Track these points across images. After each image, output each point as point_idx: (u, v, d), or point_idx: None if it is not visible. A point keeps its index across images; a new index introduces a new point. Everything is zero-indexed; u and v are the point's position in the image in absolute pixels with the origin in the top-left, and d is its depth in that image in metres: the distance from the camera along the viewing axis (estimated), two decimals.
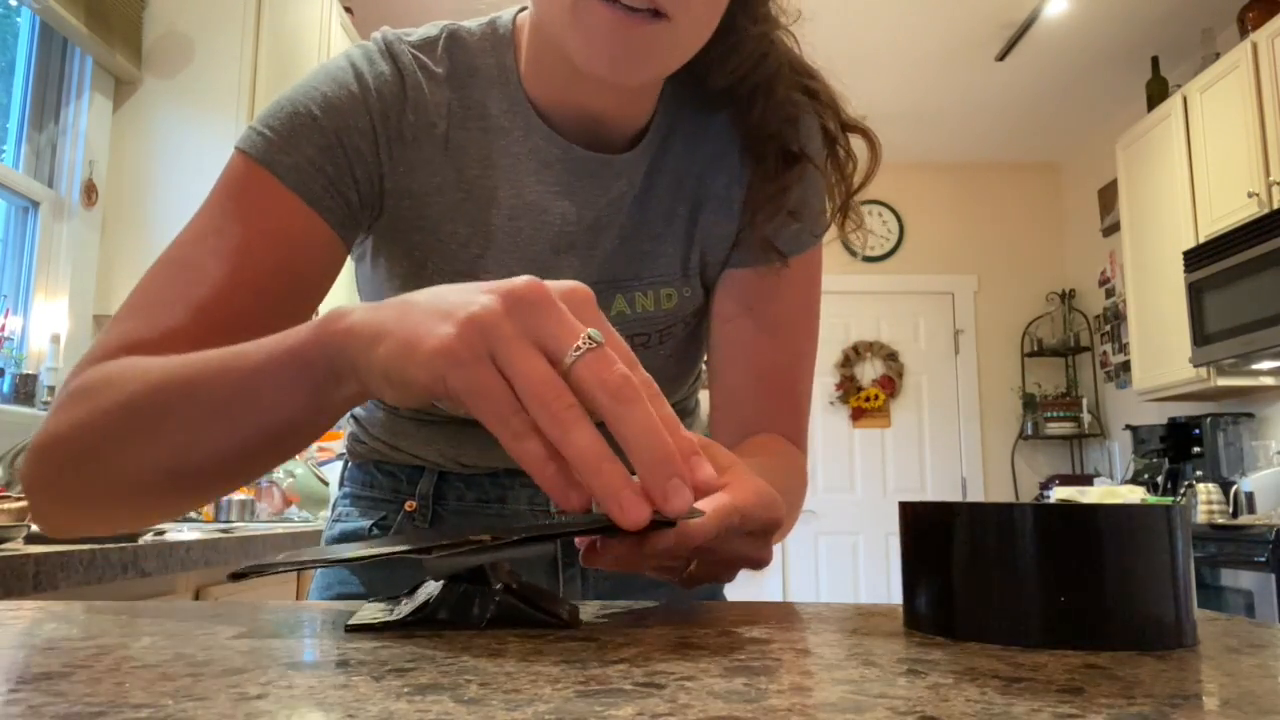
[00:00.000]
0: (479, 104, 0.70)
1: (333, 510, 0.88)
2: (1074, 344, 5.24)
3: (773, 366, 0.77)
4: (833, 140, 0.77)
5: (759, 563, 0.52)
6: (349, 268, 0.75)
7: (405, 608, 0.46)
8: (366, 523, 0.83)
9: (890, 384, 5.38)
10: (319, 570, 0.84)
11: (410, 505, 0.81)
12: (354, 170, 0.66)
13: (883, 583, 5.17)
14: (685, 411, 0.88)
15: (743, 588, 0.87)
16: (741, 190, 0.76)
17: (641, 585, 0.79)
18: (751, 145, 0.75)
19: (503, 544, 0.44)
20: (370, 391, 0.46)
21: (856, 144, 0.78)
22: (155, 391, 0.52)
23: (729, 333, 0.78)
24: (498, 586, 0.45)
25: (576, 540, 0.47)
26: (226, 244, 0.62)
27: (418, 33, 0.72)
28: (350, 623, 0.44)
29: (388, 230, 0.71)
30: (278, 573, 0.46)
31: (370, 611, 0.47)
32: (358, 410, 0.86)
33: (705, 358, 0.83)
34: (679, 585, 0.52)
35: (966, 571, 0.43)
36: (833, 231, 0.82)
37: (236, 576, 0.45)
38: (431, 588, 0.46)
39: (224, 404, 0.50)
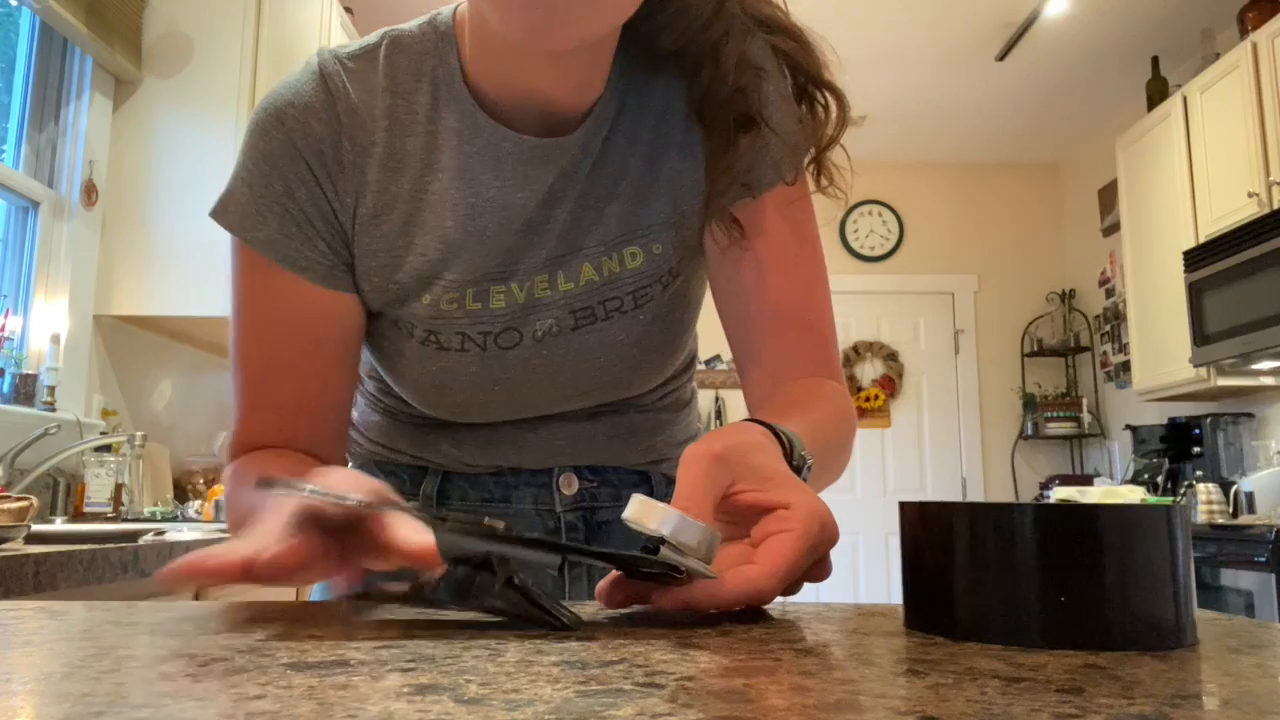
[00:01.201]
0: (425, 108, 0.70)
1: None
2: (1074, 344, 5.24)
3: (784, 303, 0.74)
4: (801, 93, 0.74)
5: (820, 579, 0.52)
6: None
7: (400, 584, 0.46)
8: None
9: (890, 384, 5.38)
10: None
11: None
12: (312, 222, 0.69)
13: (883, 583, 5.17)
14: (680, 403, 0.87)
15: None
16: (700, 134, 0.73)
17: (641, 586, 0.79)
18: (702, 112, 0.72)
19: (514, 538, 0.44)
20: None
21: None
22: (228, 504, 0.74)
23: (730, 283, 0.75)
24: (503, 579, 0.45)
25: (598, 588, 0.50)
26: (251, 339, 0.73)
27: (356, 44, 0.72)
28: (347, 594, 0.45)
29: (358, 259, 0.71)
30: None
31: (368, 583, 0.48)
32: (354, 415, 0.86)
33: (692, 330, 0.82)
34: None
35: (966, 571, 0.43)
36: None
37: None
38: (436, 572, 0.46)
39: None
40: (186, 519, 2.32)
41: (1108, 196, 4.95)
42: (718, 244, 0.74)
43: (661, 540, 0.46)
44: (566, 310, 0.73)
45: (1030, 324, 5.44)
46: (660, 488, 0.85)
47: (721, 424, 5.28)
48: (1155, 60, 4.26)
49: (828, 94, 0.73)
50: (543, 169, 0.70)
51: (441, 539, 0.44)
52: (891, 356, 5.41)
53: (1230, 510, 3.48)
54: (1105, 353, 5.16)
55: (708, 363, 5.04)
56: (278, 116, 0.68)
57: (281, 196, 0.68)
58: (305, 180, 0.68)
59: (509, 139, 0.69)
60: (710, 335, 0.91)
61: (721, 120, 0.71)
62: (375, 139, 0.69)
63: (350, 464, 0.87)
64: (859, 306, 5.35)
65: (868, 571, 5.20)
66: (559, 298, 0.73)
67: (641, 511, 0.46)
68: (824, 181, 0.74)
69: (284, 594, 1.93)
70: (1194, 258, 3.64)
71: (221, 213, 0.70)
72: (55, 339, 2.27)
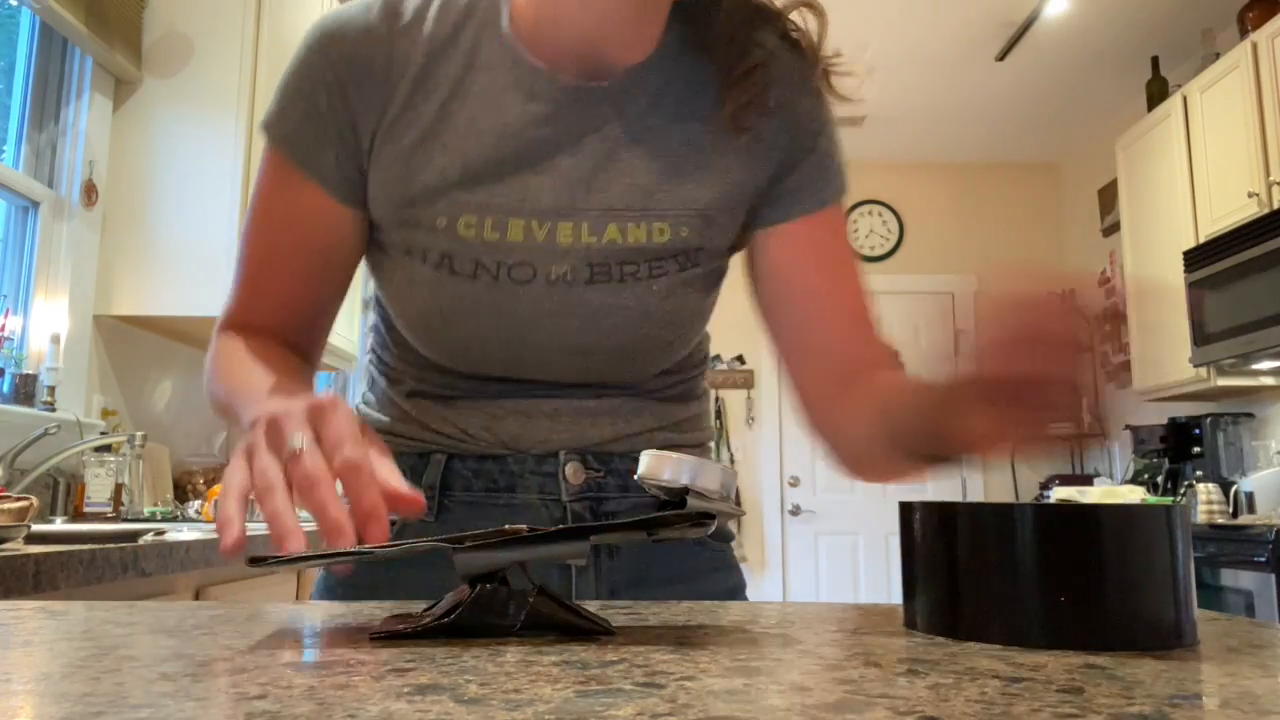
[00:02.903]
0: (468, 40, 0.73)
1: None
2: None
3: (857, 305, 0.80)
4: (783, 36, 0.78)
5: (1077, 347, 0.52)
6: None
7: (430, 616, 0.44)
8: None
9: None
10: (321, 570, 0.82)
11: None
12: (331, 128, 0.73)
13: (883, 583, 5.17)
14: (689, 395, 0.85)
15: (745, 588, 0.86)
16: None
17: (651, 581, 0.78)
18: (711, 50, 0.76)
19: (535, 537, 0.43)
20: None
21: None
22: (211, 376, 0.77)
23: (800, 285, 0.79)
24: (530, 587, 0.43)
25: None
26: (257, 228, 0.77)
27: None
28: (374, 633, 0.42)
29: (374, 175, 0.74)
30: (294, 564, 0.46)
31: (393, 621, 0.45)
32: (355, 402, 0.86)
33: (701, 322, 0.82)
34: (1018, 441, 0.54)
35: (966, 571, 0.43)
36: None
37: (255, 561, 0.44)
38: (458, 594, 0.45)
39: (225, 406, 0.73)
40: (186, 519, 2.32)
41: (1108, 196, 4.95)
42: (775, 247, 0.79)
43: (685, 490, 0.45)
44: (584, 262, 0.73)
45: None
46: None
47: (722, 423, 5.28)
48: (1155, 60, 4.26)
49: (808, 11, 0.78)
50: (572, 112, 0.72)
51: (460, 559, 0.43)
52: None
53: (1230, 510, 3.48)
54: (1105, 353, 5.16)
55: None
56: (321, 25, 0.74)
57: (308, 96, 0.73)
58: (330, 86, 0.72)
59: (543, 77, 0.72)
60: (713, 335, 0.90)
61: (729, 56, 0.75)
62: (413, 59, 0.72)
63: None
64: None
65: (868, 571, 5.20)
66: (579, 248, 0.73)
67: (655, 465, 0.45)
68: (838, 89, 0.79)
69: (284, 594, 1.93)
70: (1194, 258, 3.64)
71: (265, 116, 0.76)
72: (55, 339, 2.27)
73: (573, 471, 0.78)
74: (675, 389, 0.84)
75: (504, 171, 0.72)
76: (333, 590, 0.81)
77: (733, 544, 0.88)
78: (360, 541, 0.49)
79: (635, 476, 0.46)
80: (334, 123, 0.73)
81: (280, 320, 0.79)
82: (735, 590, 0.85)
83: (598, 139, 0.73)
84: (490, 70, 0.72)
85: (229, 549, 0.48)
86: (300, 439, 0.51)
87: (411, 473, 0.80)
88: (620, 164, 0.74)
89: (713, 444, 0.90)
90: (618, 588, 0.78)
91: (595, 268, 0.74)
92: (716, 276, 0.81)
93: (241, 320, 0.79)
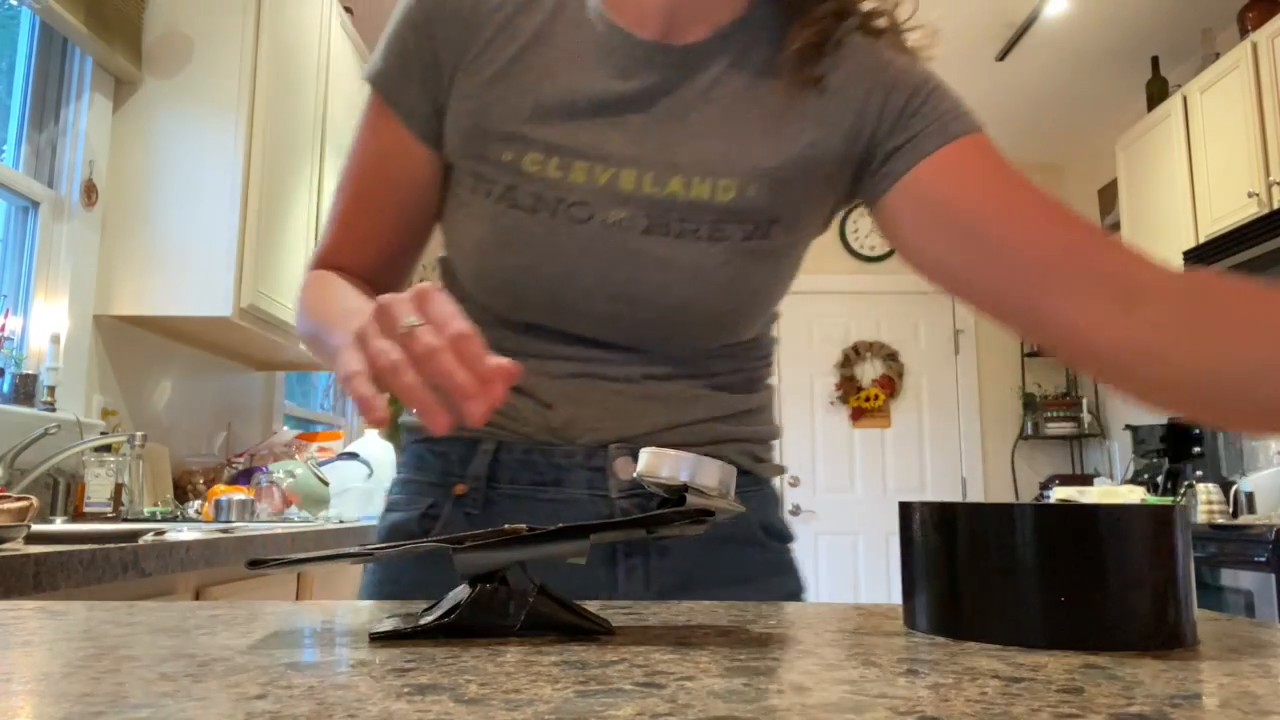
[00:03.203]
0: (546, 12, 0.76)
1: (388, 495, 0.85)
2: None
3: (1041, 198, 0.71)
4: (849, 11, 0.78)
5: None
6: None
7: (430, 615, 0.44)
8: (414, 513, 0.79)
9: (890, 384, 5.38)
10: (368, 565, 0.81)
11: (460, 489, 0.77)
12: (416, 63, 0.77)
13: (883, 583, 5.17)
14: (747, 385, 0.82)
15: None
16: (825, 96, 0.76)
17: (705, 582, 0.76)
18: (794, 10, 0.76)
19: (536, 537, 0.43)
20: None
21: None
22: (301, 308, 0.81)
23: (972, 205, 0.71)
24: (530, 587, 0.43)
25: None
26: (352, 166, 0.82)
27: None
28: (374, 632, 0.42)
29: (451, 108, 0.78)
30: (293, 565, 0.46)
31: (393, 620, 0.45)
32: None
33: (762, 304, 0.79)
34: None
35: (966, 571, 0.43)
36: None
37: (254, 564, 0.44)
38: (458, 594, 0.45)
39: (312, 337, 0.78)
40: (186, 519, 2.32)
41: (1108, 196, 4.95)
42: (927, 184, 0.73)
43: (684, 487, 0.45)
44: (642, 211, 0.73)
45: None
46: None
47: None
48: (1155, 60, 4.26)
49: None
50: (649, 69, 0.74)
51: (460, 560, 0.43)
52: (891, 356, 5.41)
53: (1230, 510, 3.48)
54: None
55: None
56: None
57: (400, 37, 0.78)
58: (418, 25, 0.77)
59: (623, 35, 0.75)
60: None
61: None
62: (501, 7, 0.76)
63: (407, 442, 0.85)
64: (859, 306, 5.35)
65: (868, 571, 5.20)
66: (640, 197, 0.73)
67: (653, 463, 0.45)
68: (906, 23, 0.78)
69: (284, 594, 1.93)
70: (1194, 258, 3.64)
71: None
72: (55, 339, 2.27)
73: (622, 466, 0.76)
74: (734, 376, 0.81)
75: (574, 117, 0.74)
76: (380, 588, 0.79)
77: (791, 545, 0.85)
78: (476, 411, 0.51)
79: (634, 474, 0.46)
80: (419, 58, 0.77)
81: (365, 260, 0.83)
82: (793, 596, 0.82)
83: (671, 98, 0.75)
84: (573, 26, 0.76)
85: (380, 422, 0.52)
86: (412, 319, 0.53)
87: (459, 462, 0.78)
88: (692, 123, 0.75)
89: (776, 442, 0.85)
90: (667, 589, 0.76)
91: (653, 219, 0.74)
92: (786, 259, 0.78)
93: (330, 261, 0.83)
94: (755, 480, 0.83)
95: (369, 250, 0.83)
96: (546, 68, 0.75)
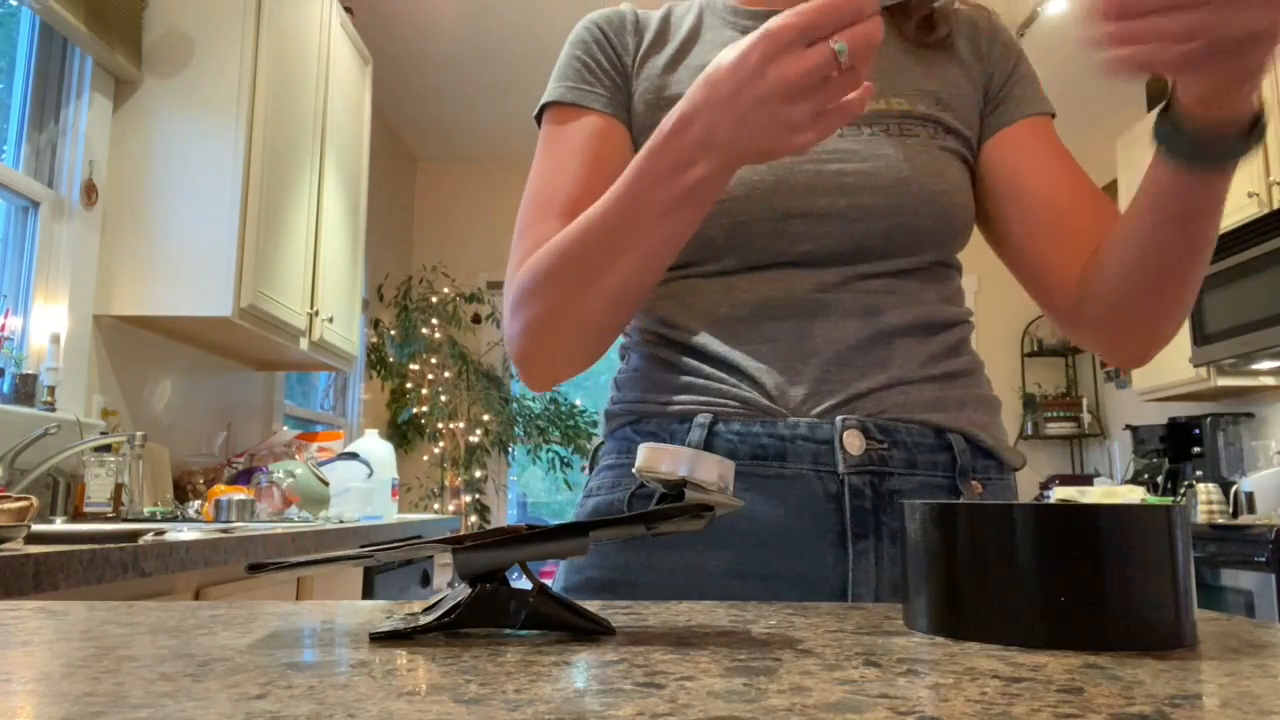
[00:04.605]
0: (694, 16, 0.89)
1: (585, 486, 0.83)
2: (1074, 344, 5.24)
3: (1091, 186, 0.83)
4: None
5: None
6: None
7: (430, 615, 0.44)
8: (621, 494, 0.77)
9: None
10: (564, 572, 0.78)
11: None
12: (600, 66, 0.86)
13: None
14: (959, 348, 0.81)
15: None
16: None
17: None
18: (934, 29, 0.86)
19: (535, 535, 0.43)
20: (721, 148, 0.62)
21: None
22: (567, 253, 0.73)
23: (1038, 175, 0.83)
24: (531, 587, 0.43)
25: None
26: (551, 169, 0.83)
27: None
28: (374, 632, 0.43)
29: (636, 94, 0.86)
30: (294, 569, 0.46)
31: (393, 621, 0.46)
32: (613, 383, 0.85)
33: (960, 205, 0.81)
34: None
35: (966, 571, 0.43)
36: None
37: (255, 568, 0.44)
38: (457, 593, 0.45)
39: (611, 230, 0.70)
40: (186, 519, 2.32)
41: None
42: (1006, 149, 0.84)
43: (682, 483, 0.45)
44: None
45: (1030, 324, 5.44)
46: (965, 458, 0.75)
47: None
48: None
49: None
50: None
51: (458, 560, 0.43)
52: None
53: (1230, 510, 3.48)
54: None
55: None
56: (585, 20, 0.89)
57: (578, 58, 0.86)
58: (599, 40, 0.87)
59: (761, 16, 0.84)
60: None
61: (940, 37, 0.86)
62: (654, 19, 0.89)
63: (606, 441, 0.83)
64: None
65: None
66: None
67: (651, 458, 0.45)
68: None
69: (284, 594, 1.93)
70: None
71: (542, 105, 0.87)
72: (55, 339, 2.27)
73: (851, 440, 0.72)
74: (944, 336, 0.79)
75: None
76: (581, 573, 0.77)
77: None
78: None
79: (634, 470, 0.46)
80: (605, 60, 0.86)
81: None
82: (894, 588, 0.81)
83: None
84: (715, 27, 0.87)
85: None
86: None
87: (671, 439, 0.75)
88: None
89: (1000, 414, 0.84)
90: (900, 583, 0.70)
91: (845, 129, 0.79)
92: (969, 162, 0.84)
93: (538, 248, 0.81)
94: (1000, 466, 0.80)
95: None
96: (705, 55, 0.84)
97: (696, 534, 0.73)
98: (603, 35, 0.87)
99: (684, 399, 0.76)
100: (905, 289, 0.78)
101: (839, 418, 0.72)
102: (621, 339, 0.86)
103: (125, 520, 2.13)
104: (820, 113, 0.59)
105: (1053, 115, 0.88)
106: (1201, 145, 0.63)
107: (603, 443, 0.84)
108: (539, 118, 0.87)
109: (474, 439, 4.86)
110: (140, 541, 1.35)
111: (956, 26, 0.87)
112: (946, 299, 0.82)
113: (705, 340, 0.78)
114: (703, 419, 0.74)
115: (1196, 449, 3.95)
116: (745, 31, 0.84)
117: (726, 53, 0.61)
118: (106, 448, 2.21)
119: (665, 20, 0.89)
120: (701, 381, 0.76)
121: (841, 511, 0.72)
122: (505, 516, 5.40)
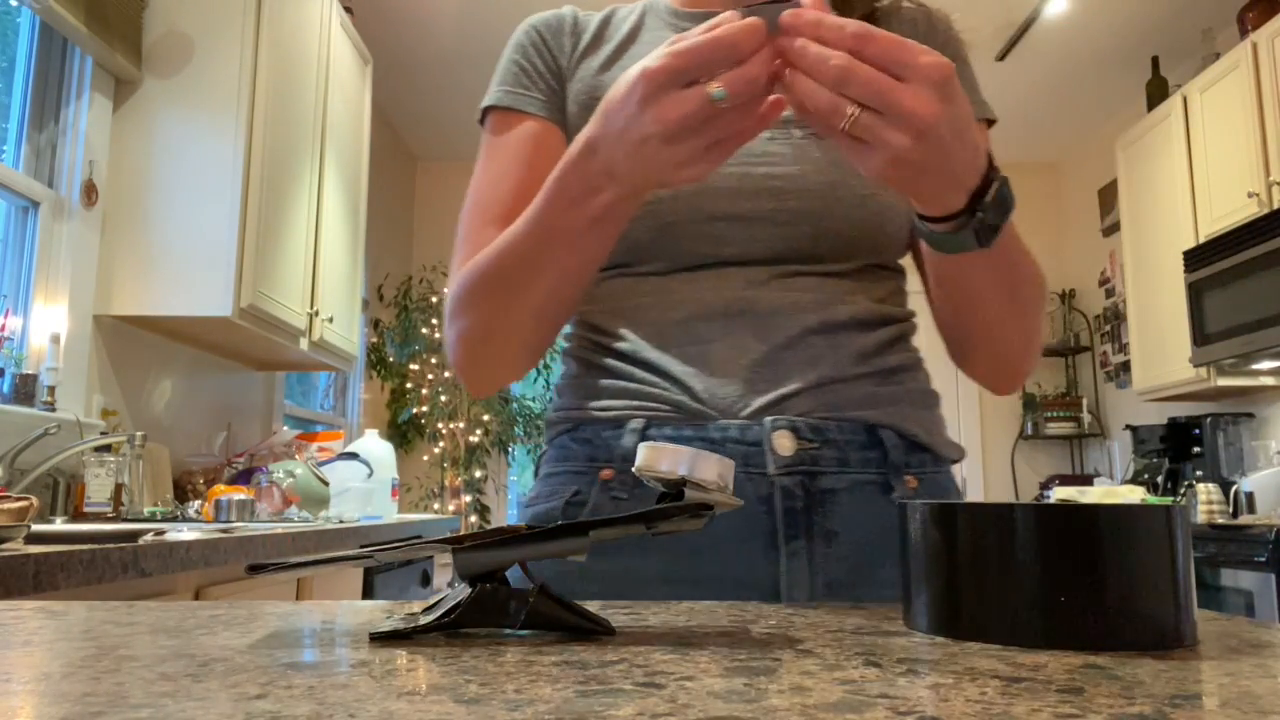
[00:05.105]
0: (635, 16, 0.89)
1: (527, 495, 0.83)
2: (1074, 344, 5.24)
3: None
4: None
5: (916, 119, 0.53)
6: None
7: (430, 615, 0.44)
8: (558, 503, 0.77)
9: None
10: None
11: (606, 473, 0.74)
12: (536, 69, 0.87)
13: None
14: (897, 344, 0.82)
15: None
16: None
17: (880, 582, 0.72)
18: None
19: (534, 535, 0.43)
20: (623, 178, 0.62)
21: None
22: (491, 270, 0.74)
23: None
24: (531, 587, 0.43)
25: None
26: (489, 175, 0.84)
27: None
28: (374, 632, 0.43)
29: (570, 91, 0.87)
30: (294, 570, 0.46)
31: (393, 621, 0.46)
32: (558, 381, 0.85)
33: (887, 211, 0.79)
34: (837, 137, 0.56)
35: (966, 571, 0.43)
36: None
37: (254, 569, 0.44)
38: (457, 593, 0.45)
39: (529, 250, 0.71)
40: (186, 519, 2.32)
41: (1108, 196, 4.95)
42: None
43: (682, 482, 0.45)
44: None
45: None
46: (897, 454, 0.76)
47: None
48: (1155, 60, 4.26)
49: None
50: None
51: (458, 560, 0.43)
52: None
53: (1230, 510, 3.48)
54: (1105, 353, 5.16)
55: None
56: (524, 23, 0.90)
57: (515, 61, 0.87)
58: (535, 44, 0.88)
59: (700, 17, 0.84)
60: None
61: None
62: (593, 21, 0.89)
63: (547, 449, 0.83)
64: None
65: None
66: None
67: (651, 457, 0.45)
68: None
69: (284, 594, 1.93)
70: (1194, 258, 3.64)
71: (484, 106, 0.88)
72: (55, 339, 2.27)
73: (780, 441, 0.72)
74: (878, 334, 0.79)
75: None
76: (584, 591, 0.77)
77: None
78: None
79: (634, 469, 0.46)
80: (541, 63, 0.87)
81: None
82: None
83: None
84: (655, 27, 0.87)
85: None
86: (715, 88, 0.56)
87: (605, 446, 0.76)
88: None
89: (938, 408, 0.85)
90: (835, 579, 0.72)
91: (774, 129, 0.78)
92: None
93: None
94: (935, 460, 0.80)
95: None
96: (643, 52, 0.83)
97: (635, 540, 0.73)
98: (539, 38, 0.87)
99: (617, 404, 0.77)
100: (836, 288, 0.78)
101: (768, 419, 0.73)
102: (561, 343, 0.87)
103: (125, 520, 2.13)
104: (710, 145, 0.58)
105: (991, 122, 0.87)
106: (928, 236, 0.65)
107: (545, 451, 0.84)
108: (482, 121, 0.87)
109: (474, 439, 4.86)
110: (140, 541, 1.35)
111: (899, 27, 0.84)
112: (880, 299, 0.82)
113: (636, 345, 0.78)
114: (635, 424, 0.75)
115: (1196, 449, 3.95)
116: (681, 29, 0.83)
117: (617, 85, 0.60)
118: (106, 448, 2.21)
119: (605, 21, 0.89)
120: (634, 386, 0.77)
121: (772, 513, 0.72)
122: (505, 516, 5.40)
